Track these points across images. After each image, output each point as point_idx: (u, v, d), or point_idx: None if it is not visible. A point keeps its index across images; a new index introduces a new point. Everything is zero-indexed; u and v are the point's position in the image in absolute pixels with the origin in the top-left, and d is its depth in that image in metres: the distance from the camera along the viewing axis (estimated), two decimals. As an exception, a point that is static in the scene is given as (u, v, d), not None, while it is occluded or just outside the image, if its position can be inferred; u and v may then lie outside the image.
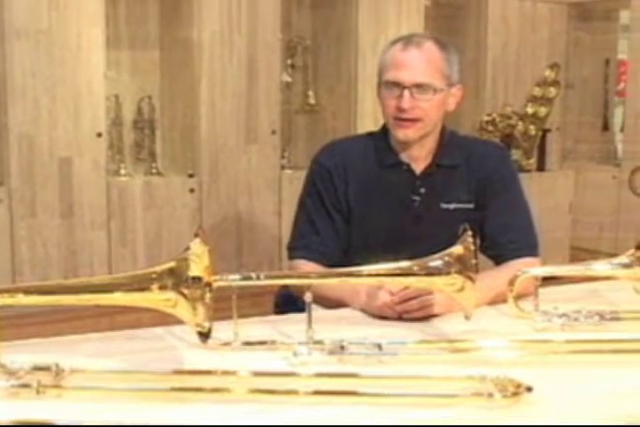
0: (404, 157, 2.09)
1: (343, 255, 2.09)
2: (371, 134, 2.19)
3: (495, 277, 1.87)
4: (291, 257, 2.12)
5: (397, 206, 2.09)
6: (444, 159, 2.10)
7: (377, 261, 1.55)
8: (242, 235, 4.59)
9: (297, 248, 2.11)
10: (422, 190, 2.08)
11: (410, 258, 1.53)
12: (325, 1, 4.98)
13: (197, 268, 1.32)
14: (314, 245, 2.08)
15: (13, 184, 3.99)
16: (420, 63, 1.98)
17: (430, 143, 2.09)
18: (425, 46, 1.99)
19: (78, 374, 1.32)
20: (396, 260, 1.54)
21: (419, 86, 1.97)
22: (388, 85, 2.01)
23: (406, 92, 1.97)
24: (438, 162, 2.09)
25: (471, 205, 2.09)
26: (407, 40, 2.01)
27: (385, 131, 2.12)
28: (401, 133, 2.03)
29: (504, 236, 2.06)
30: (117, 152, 4.55)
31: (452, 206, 2.08)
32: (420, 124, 2.01)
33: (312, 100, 5.05)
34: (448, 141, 2.12)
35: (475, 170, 2.10)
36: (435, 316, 1.74)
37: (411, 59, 1.98)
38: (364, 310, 1.81)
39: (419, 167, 2.10)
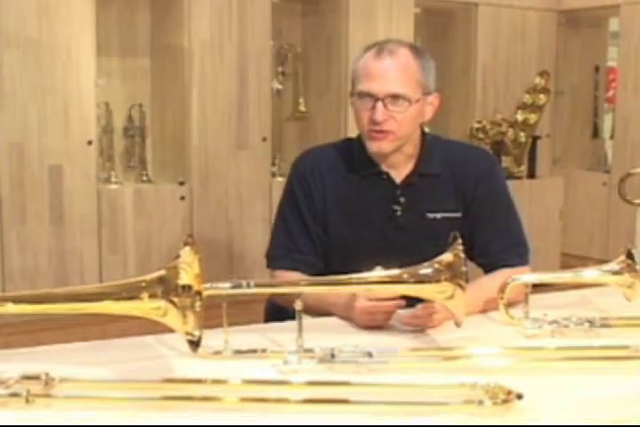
0: (382, 165, 2.03)
1: (325, 266, 2.05)
2: (350, 140, 2.13)
3: (485, 286, 1.86)
4: (270, 266, 2.08)
5: (378, 216, 2.03)
6: (426, 168, 2.03)
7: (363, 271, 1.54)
8: (232, 242, 4.59)
9: (276, 258, 2.07)
10: (402, 200, 2.02)
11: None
12: (316, 9, 5.00)
13: (187, 276, 1.32)
14: (293, 254, 2.03)
15: (3, 192, 3.98)
16: (394, 73, 1.89)
17: (409, 150, 2.02)
18: (399, 54, 1.91)
19: (68, 384, 1.31)
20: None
21: (393, 97, 1.89)
22: (360, 96, 1.93)
23: (379, 104, 1.89)
24: (420, 171, 2.03)
25: (459, 214, 2.03)
26: (380, 47, 1.92)
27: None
28: (374, 146, 1.96)
29: (494, 244, 2.02)
30: (108, 160, 4.54)
31: (438, 216, 2.02)
32: (394, 136, 1.93)
33: (303, 108, 5.06)
34: (430, 148, 2.04)
35: (461, 177, 2.04)
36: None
37: (384, 68, 1.89)
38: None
39: (399, 176, 2.03)
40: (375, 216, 2.03)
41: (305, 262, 2.03)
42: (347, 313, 1.78)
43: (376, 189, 2.03)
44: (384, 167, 2.03)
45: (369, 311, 1.72)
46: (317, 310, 1.85)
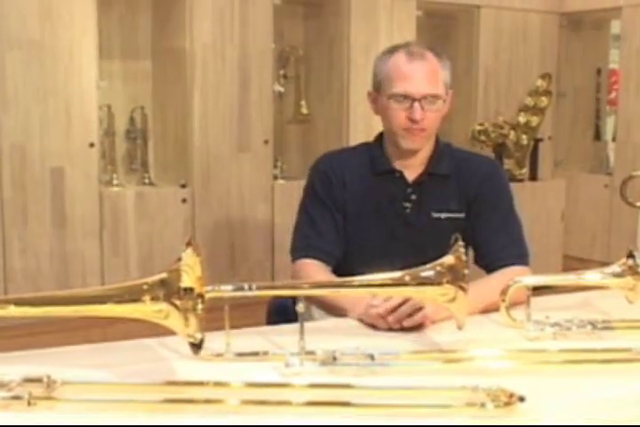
0: (397, 164, 2.13)
1: (342, 260, 2.12)
2: (366, 144, 2.24)
3: (486, 286, 1.87)
4: (294, 259, 2.13)
5: (389, 212, 2.12)
6: (436, 168, 2.13)
7: (373, 268, 1.55)
8: (234, 245, 4.59)
9: (299, 248, 2.13)
10: (413, 197, 2.12)
11: (405, 267, 1.53)
12: (317, 11, 5.00)
13: (189, 278, 1.32)
14: (316, 243, 2.10)
15: (5, 194, 3.99)
16: (427, 75, 2.03)
17: (426, 151, 2.13)
18: (427, 57, 2.04)
19: (70, 386, 1.31)
20: (392, 269, 1.54)
21: (427, 98, 2.02)
22: (396, 98, 2.03)
23: (417, 104, 2.01)
24: (430, 171, 2.13)
25: (462, 215, 2.11)
26: (408, 51, 2.05)
27: (380, 141, 2.17)
28: (409, 142, 2.07)
29: (495, 246, 2.07)
30: (110, 162, 4.55)
31: (443, 215, 2.11)
32: (426, 133, 2.07)
33: (304, 110, 5.06)
34: (441, 151, 2.15)
35: (466, 181, 2.12)
36: (424, 327, 1.74)
37: (417, 70, 2.02)
38: (360, 320, 1.80)
39: (411, 175, 2.13)
40: (387, 212, 2.13)
41: (328, 252, 2.10)
42: (366, 311, 1.78)
43: (389, 186, 2.14)
44: (398, 166, 2.14)
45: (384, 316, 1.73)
46: (333, 309, 1.90)
